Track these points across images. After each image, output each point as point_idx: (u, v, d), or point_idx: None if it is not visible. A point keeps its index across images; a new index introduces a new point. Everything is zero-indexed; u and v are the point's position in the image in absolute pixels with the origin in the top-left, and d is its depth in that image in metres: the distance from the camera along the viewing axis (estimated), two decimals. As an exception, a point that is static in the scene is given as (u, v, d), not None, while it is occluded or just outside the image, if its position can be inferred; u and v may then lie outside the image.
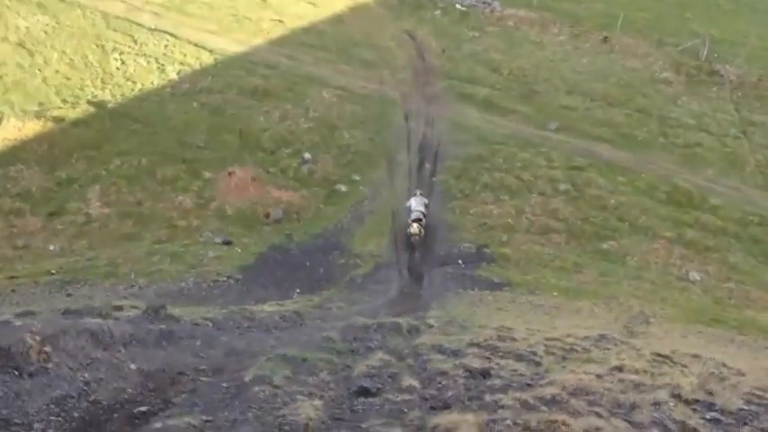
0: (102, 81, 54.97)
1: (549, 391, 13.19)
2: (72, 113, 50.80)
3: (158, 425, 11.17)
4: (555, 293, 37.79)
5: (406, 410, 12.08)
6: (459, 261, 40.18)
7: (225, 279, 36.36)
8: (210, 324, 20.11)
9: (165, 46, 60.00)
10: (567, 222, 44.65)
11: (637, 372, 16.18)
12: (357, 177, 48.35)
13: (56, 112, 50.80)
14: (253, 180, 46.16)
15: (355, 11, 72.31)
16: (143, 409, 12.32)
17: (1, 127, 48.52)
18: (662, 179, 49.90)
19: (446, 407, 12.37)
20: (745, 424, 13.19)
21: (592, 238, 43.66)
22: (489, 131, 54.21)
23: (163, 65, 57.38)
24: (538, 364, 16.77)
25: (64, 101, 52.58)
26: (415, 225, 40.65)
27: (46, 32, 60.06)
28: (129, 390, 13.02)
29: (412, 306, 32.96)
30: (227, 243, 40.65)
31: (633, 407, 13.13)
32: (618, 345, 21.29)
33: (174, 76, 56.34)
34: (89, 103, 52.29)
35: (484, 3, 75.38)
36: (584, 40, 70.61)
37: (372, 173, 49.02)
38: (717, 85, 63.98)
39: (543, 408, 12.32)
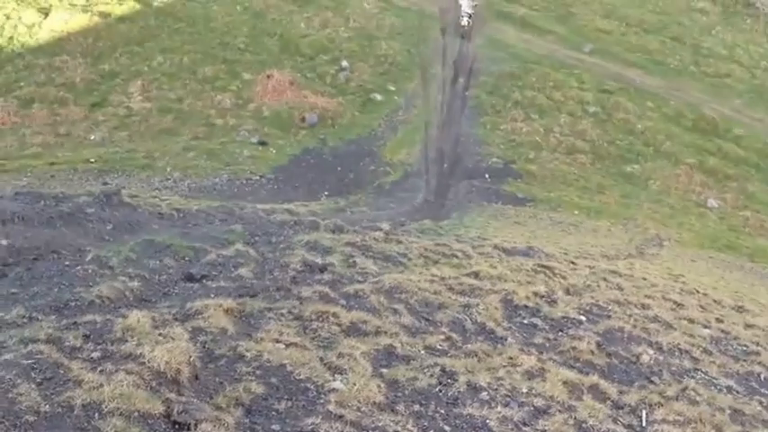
0: (151, -21, 55.86)
1: (357, 288, 13.25)
2: (118, 10, 51.53)
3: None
4: (576, 212, 38.95)
5: (212, 296, 11.90)
6: (486, 175, 41.20)
7: (258, 178, 37.48)
8: (177, 214, 19.17)
9: (215, -52, 60.71)
10: (594, 144, 45.59)
11: (490, 278, 15.92)
12: (392, 87, 49.29)
13: (102, 7, 51.43)
14: (290, 84, 46.97)
15: None
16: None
17: (48, 18, 49.49)
18: (689, 107, 50.64)
19: (252, 295, 12.34)
20: (560, 331, 13.51)
21: (616, 160, 44.67)
22: (524, 50, 54.92)
23: (210, -34, 58.18)
24: (399, 264, 16.50)
25: (111, -4, 53.53)
26: (464, 19, 54.93)
27: (95, -73, 60.78)
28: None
29: (433, 214, 33.81)
30: (263, 144, 41.56)
31: (440, 307, 13.25)
32: (524, 257, 20.70)
33: (219, -22, 57.15)
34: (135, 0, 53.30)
35: None
36: (624, -36, 70.77)
37: (407, 84, 49.89)
38: (751, 17, 64.16)
39: (341, 301, 12.46)
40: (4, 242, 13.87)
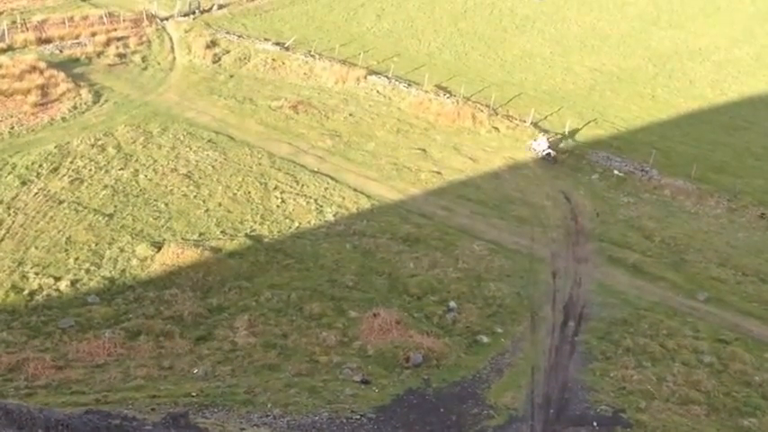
0: (262, 217, 57.78)
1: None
2: (229, 245, 53.24)
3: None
4: (690, 466, 37.20)
5: None
6: (594, 423, 39.71)
7: (358, 417, 36.83)
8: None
9: (326, 189, 62.63)
10: (709, 395, 43.71)
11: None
12: (500, 329, 48.53)
13: (214, 243, 53.28)
14: (396, 323, 46.70)
15: (513, 169, 73.87)
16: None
17: (161, 252, 51.02)
18: (811, 362, 48.67)
19: None
20: None
21: (733, 412, 42.64)
22: (636, 297, 54.24)
23: (321, 206, 59.86)
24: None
25: (223, 232, 55.35)
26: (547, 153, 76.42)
27: (213, 167, 63.43)
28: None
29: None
30: (365, 382, 41.01)
31: None
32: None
33: (330, 217, 58.64)
34: (247, 236, 54.82)
35: (642, 171, 75.93)
36: (740, 214, 70.33)
37: (515, 326, 49.16)
38: None
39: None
40: (43, 449, 14.45)
